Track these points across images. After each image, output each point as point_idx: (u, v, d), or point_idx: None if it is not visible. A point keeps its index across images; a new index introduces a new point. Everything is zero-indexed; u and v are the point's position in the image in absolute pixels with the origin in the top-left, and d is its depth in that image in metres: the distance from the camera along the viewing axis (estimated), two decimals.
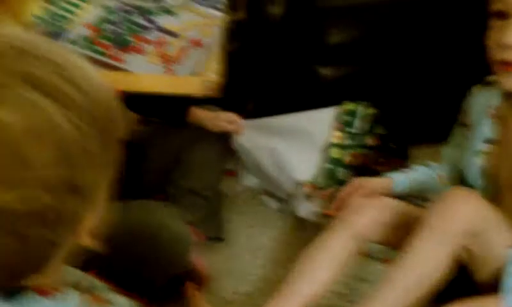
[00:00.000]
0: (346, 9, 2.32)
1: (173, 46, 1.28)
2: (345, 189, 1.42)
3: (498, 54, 1.16)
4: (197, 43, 1.30)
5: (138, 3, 1.25)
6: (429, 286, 1.18)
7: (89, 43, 1.23)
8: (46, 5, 1.18)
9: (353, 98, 2.09)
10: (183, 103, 1.83)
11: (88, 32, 1.22)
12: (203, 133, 1.83)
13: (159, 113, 1.83)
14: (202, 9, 1.29)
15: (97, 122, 0.56)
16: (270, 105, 2.22)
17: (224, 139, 1.94)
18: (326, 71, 2.29)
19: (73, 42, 1.21)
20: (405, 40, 2.24)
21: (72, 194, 0.55)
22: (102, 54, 1.24)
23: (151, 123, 1.88)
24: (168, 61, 1.29)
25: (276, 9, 2.22)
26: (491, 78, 1.32)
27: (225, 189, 2.05)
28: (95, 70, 0.58)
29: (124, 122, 0.61)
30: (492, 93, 1.31)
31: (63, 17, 1.20)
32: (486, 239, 1.20)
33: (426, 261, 1.18)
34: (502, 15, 1.14)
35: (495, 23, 1.16)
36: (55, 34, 1.19)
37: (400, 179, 1.45)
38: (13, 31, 0.58)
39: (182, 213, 1.73)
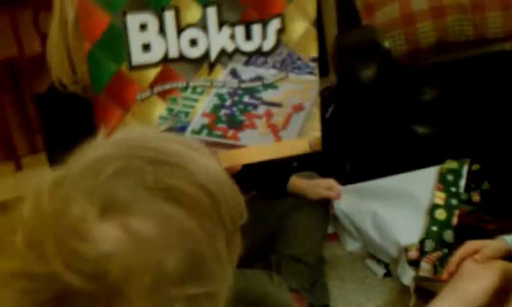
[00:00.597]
0: (439, 66, 2.30)
1: (279, 115, 1.40)
2: (458, 253, 1.37)
3: None
4: (298, 108, 1.42)
5: (244, 85, 1.35)
6: None
7: (209, 129, 1.34)
8: (169, 105, 1.29)
9: (452, 156, 2.04)
10: (283, 173, 1.87)
11: (206, 120, 1.34)
12: (304, 201, 1.85)
13: (260, 186, 1.87)
14: (298, 77, 1.40)
15: (223, 219, 0.58)
16: (368, 168, 2.20)
17: (324, 204, 1.95)
18: (423, 130, 2.27)
19: (196, 132, 1.33)
20: (499, 92, 2.19)
21: (206, 300, 0.55)
22: (221, 136, 1.35)
23: (251, 193, 1.92)
24: (275, 130, 1.39)
25: (368, 72, 2.23)
26: None
27: (327, 255, 2.03)
28: (217, 165, 0.60)
29: (244, 208, 0.62)
30: None
31: (185, 113, 1.31)
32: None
33: None
34: None
35: None
36: (180, 128, 1.31)
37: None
38: (142, 132, 0.62)
39: (285, 281, 1.74)
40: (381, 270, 2.03)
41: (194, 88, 1.31)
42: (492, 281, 1.27)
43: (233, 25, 1.30)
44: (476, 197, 2.00)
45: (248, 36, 1.32)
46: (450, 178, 1.95)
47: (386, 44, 2.27)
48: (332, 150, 2.00)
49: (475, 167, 2.00)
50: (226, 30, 1.30)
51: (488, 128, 2.19)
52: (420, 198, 1.95)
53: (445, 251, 1.81)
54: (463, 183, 1.94)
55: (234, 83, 1.33)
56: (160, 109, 1.28)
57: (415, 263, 1.85)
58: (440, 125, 2.26)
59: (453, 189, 1.93)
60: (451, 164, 1.99)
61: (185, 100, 1.31)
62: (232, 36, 1.30)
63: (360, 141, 2.30)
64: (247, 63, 1.34)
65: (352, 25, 2.53)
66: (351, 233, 2.06)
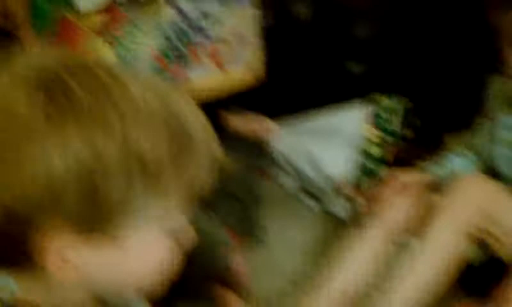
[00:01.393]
0: (373, 4, 2.31)
1: (223, 49, 1.40)
2: (380, 185, 1.41)
3: None
4: (241, 41, 1.43)
5: (189, 21, 1.37)
6: (447, 271, 1.21)
7: (160, 71, 1.37)
8: (117, 49, 1.27)
9: (386, 92, 2.06)
10: (217, 109, 1.85)
11: (156, 62, 1.35)
12: (239, 139, 1.85)
13: None
14: (239, 10, 1.41)
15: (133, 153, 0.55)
16: (302, 104, 2.21)
17: (259, 142, 1.95)
18: (356, 67, 2.28)
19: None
20: (432, 30, 2.21)
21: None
22: (166, 73, 1.37)
23: None
24: (221, 64, 1.40)
25: (302, 7, 2.21)
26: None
27: (262, 191, 2.05)
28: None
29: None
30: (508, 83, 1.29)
31: (133, 55, 1.31)
32: (503, 219, 1.23)
33: (443, 248, 1.21)
34: None
35: None
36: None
37: (440, 171, 1.43)
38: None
39: (218, 216, 1.74)
40: (315, 205, 2.06)
41: (140, 25, 1.28)
42: (415, 207, 1.32)
43: None
44: (408, 133, 2.04)
45: None
46: (383, 114, 1.99)
47: None
48: (267, 88, 1.99)
49: (407, 104, 2.04)
50: None
51: (419, 65, 2.22)
52: (355, 135, 1.98)
53: (378, 185, 1.85)
54: (396, 119, 1.97)
55: (179, 19, 1.31)
56: (108, 53, 1.26)
57: (349, 198, 1.89)
58: (374, 62, 2.28)
59: (386, 126, 1.96)
60: (385, 101, 2.02)
61: (132, 37, 1.28)
62: None
63: (294, 77, 2.29)
64: (192, 0, 1.32)
65: None
66: (286, 170, 2.08)
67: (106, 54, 1.27)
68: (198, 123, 0.60)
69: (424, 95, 2.13)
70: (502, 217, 1.23)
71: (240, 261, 1.65)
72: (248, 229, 1.85)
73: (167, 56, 1.33)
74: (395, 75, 2.19)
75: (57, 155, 0.52)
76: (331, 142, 1.97)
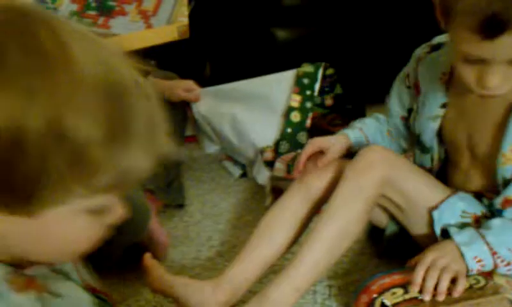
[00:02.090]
0: None
1: (149, 1, 1.35)
2: (304, 151, 1.42)
3: (477, 89, 1.15)
4: None
5: None
6: (351, 238, 1.25)
7: (78, 16, 1.29)
8: None
9: (311, 60, 2.07)
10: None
11: (75, 6, 1.28)
12: (161, 102, 1.81)
13: None
14: None
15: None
16: (227, 70, 2.19)
17: (182, 106, 1.92)
18: (282, 33, 2.28)
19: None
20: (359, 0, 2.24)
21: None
22: (91, 24, 1.29)
23: None
24: (146, 17, 1.34)
25: None
26: (437, 40, 1.34)
27: (184, 156, 2.03)
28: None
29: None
30: (441, 59, 1.31)
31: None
32: (405, 187, 1.28)
33: (345, 214, 1.24)
34: (482, 61, 1.10)
35: (473, 63, 1.12)
36: None
37: (356, 137, 1.45)
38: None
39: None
40: (237, 171, 2.06)
41: None
42: (337, 175, 1.34)
43: None
44: (329, 100, 2.06)
45: None
46: (305, 81, 1.99)
47: None
48: (192, 51, 1.96)
49: (330, 71, 2.05)
50: None
51: (343, 33, 2.25)
52: (277, 101, 1.98)
53: (299, 151, 1.87)
54: (317, 86, 1.99)
55: None
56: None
57: (270, 164, 1.90)
58: (299, 29, 2.28)
59: (308, 92, 1.97)
60: (307, 68, 2.02)
61: None
62: None
63: (220, 42, 2.26)
64: None
65: None
66: (209, 135, 2.06)
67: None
68: (144, 113, 0.57)
69: (349, 63, 2.16)
70: (402, 185, 1.28)
71: (159, 227, 1.63)
72: (168, 195, 1.83)
73: (89, 3, 1.27)
74: (321, 42, 2.21)
75: None
76: (255, 108, 1.97)
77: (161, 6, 1.35)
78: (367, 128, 1.49)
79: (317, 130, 1.93)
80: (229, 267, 1.30)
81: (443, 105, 1.31)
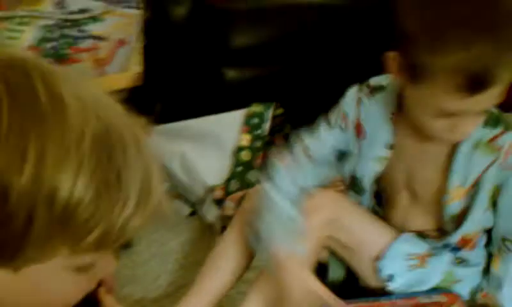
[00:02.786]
0: (251, 12, 2.34)
1: (103, 49, 1.35)
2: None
3: (447, 138, 1.14)
4: (122, 42, 1.40)
5: (70, 17, 1.33)
6: None
7: None
8: None
9: (260, 100, 2.10)
10: None
11: (30, 54, 1.27)
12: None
13: None
14: (121, 10, 1.38)
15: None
16: (177, 109, 2.19)
17: None
18: (232, 74, 2.29)
19: None
20: (308, 41, 2.29)
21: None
22: None
23: None
24: (100, 65, 1.34)
25: (180, 10, 2.19)
26: (376, 82, 1.32)
27: None
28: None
29: None
30: (387, 100, 1.29)
31: (9, 44, 1.26)
32: (352, 228, 1.28)
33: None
34: (452, 114, 1.08)
35: (445, 116, 1.09)
36: None
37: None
38: None
39: None
40: (186, 209, 2.05)
41: (19, 18, 1.21)
42: None
43: None
44: (278, 140, 2.08)
45: None
46: (255, 120, 2.01)
47: None
48: (143, 89, 1.95)
49: (279, 111, 2.08)
50: None
51: (292, 73, 2.28)
52: (227, 140, 1.99)
53: (248, 190, 1.88)
54: (267, 125, 2.01)
55: (60, 14, 1.26)
56: None
57: (219, 202, 1.89)
58: (249, 70, 2.31)
59: (258, 131, 1.99)
60: (257, 108, 2.05)
61: (10, 31, 1.21)
62: None
63: (170, 81, 2.27)
64: None
65: None
66: None
67: None
68: (140, 170, 0.56)
69: (297, 102, 2.19)
70: (349, 225, 1.28)
71: None
72: None
73: (44, 51, 1.27)
74: (271, 82, 2.24)
75: None
76: (205, 147, 1.97)
77: (116, 55, 1.37)
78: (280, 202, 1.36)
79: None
80: (177, 305, 1.29)
81: (390, 147, 1.29)
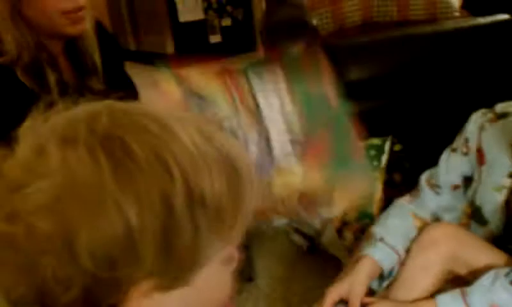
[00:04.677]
0: (363, 46, 2.35)
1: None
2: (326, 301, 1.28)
3: None
4: None
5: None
6: None
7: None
8: None
9: (376, 134, 2.09)
10: None
11: None
12: None
13: None
14: None
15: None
16: None
17: None
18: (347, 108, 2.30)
19: None
20: (421, 72, 2.26)
21: None
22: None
23: None
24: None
25: (295, 49, 2.25)
26: (502, 108, 1.30)
27: (252, 229, 2.05)
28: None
29: None
30: (510, 127, 1.27)
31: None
32: (475, 264, 1.22)
33: (413, 290, 1.22)
34: None
35: None
36: None
37: (382, 254, 1.32)
38: None
39: None
40: (305, 243, 2.06)
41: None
42: None
43: None
44: (397, 177, 2.05)
45: None
46: (372, 152, 2.00)
47: (314, 22, 2.30)
48: None
49: (397, 147, 2.06)
50: None
51: (411, 107, 2.25)
52: None
53: (368, 221, 1.86)
54: (384, 158, 1.99)
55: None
56: None
57: (338, 232, 1.89)
58: (364, 104, 2.31)
59: (375, 163, 1.98)
60: (374, 140, 2.04)
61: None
62: None
63: None
64: None
65: (280, 1, 2.54)
66: None
67: None
68: (243, 160, 0.62)
69: (413, 135, 2.16)
70: (471, 261, 1.23)
71: (230, 301, 1.64)
72: (241, 269, 1.85)
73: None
74: (386, 116, 2.23)
75: (134, 213, 0.54)
76: None
77: None
78: (389, 232, 1.34)
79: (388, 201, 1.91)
80: None
81: (511, 175, 1.26)
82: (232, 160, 0.60)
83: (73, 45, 1.44)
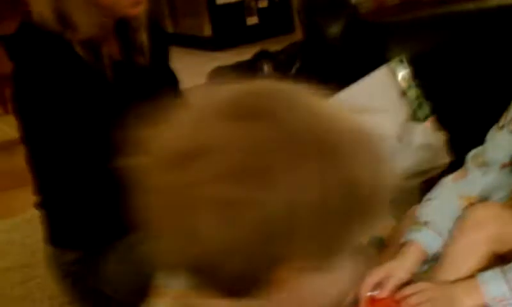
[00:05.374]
0: (405, 24, 2.31)
1: None
2: (363, 287, 1.25)
3: None
4: None
5: None
6: None
7: None
8: None
9: None
10: None
11: None
12: None
13: None
14: None
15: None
16: None
17: None
18: None
19: None
20: (462, 52, 2.22)
21: None
22: None
23: None
24: None
25: (334, 29, 2.22)
26: None
27: None
28: None
29: None
30: None
31: None
32: None
33: (458, 272, 1.20)
34: None
35: None
36: None
37: (426, 239, 1.29)
38: None
39: None
40: None
41: None
42: None
43: None
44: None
45: None
46: None
47: (353, 0, 2.27)
48: None
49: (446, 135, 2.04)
50: None
51: (453, 87, 2.22)
52: None
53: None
54: None
55: None
56: None
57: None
58: None
59: None
60: None
61: None
62: None
63: None
64: None
65: None
66: None
67: None
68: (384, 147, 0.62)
69: (459, 117, 2.12)
70: None
71: None
72: None
73: None
74: (428, 96, 2.19)
75: (301, 194, 0.54)
76: None
77: None
78: (434, 215, 1.31)
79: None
80: None
81: None
82: (377, 148, 0.59)
83: (124, 23, 1.51)
